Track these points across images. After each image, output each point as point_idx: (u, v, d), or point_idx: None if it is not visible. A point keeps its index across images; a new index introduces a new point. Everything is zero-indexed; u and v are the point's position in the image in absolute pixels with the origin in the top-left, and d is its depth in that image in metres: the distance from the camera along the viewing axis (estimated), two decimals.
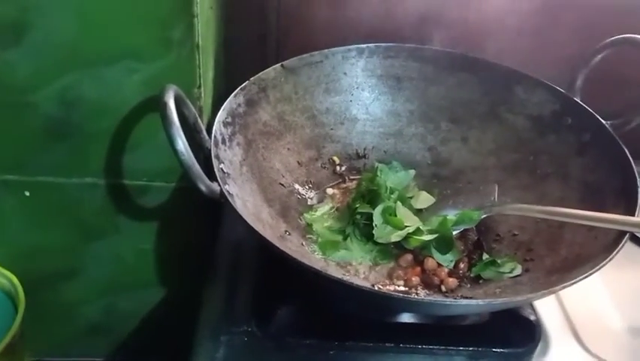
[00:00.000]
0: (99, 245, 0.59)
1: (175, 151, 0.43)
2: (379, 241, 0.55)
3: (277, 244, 0.46)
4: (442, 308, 0.48)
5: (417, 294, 0.52)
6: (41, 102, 0.50)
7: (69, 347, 0.67)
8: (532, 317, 0.51)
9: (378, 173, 0.59)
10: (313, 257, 0.54)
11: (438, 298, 0.50)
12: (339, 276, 0.50)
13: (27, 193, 0.54)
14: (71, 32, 0.47)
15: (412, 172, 0.62)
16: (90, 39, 0.47)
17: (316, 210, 0.60)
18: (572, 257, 0.49)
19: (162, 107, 0.43)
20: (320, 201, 0.61)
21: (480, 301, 0.46)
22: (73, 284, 0.61)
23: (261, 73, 0.60)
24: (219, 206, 0.63)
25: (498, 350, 0.50)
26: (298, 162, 0.62)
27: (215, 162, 0.49)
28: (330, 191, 0.63)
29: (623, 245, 0.45)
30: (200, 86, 0.51)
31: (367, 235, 0.56)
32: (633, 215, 0.47)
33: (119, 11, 0.46)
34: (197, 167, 0.44)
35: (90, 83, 0.49)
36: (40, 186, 0.54)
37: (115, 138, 0.52)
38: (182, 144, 0.43)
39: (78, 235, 0.58)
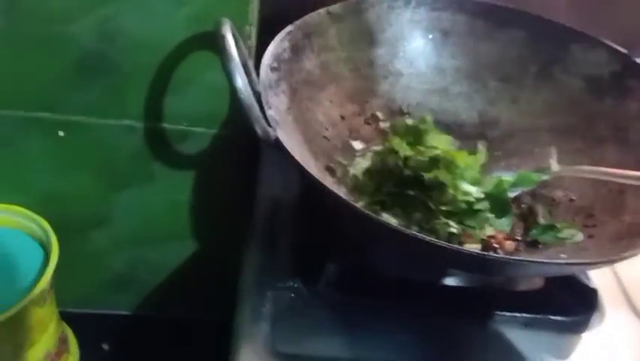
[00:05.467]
0: (131, 193, 0.56)
1: (234, 89, 0.39)
2: None
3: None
4: (528, 268, 0.44)
5: None
6: (78, 34, 0.46)
7: (94, 299, 0.64)
8: (590, 285, 0.49)
9: None
10: None
11: (522, 257, 0.47)
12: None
13: (61, 133, 0.50)
14: None
15: None
16: None
17: (361, 168, 0.57)
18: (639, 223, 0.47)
19: (220, 41, 0.40)
20: (364, 156, 0.58)
21: (570, 260, 0.43)
22: (102, 233, 0.58)
23: (305, 17, 0.56)
24: (257, 160, 0.60)
25: (555, 317, 0.48)
26: (341, 115, 0.59)
27: (266, 107, 0.46)
28: (375, 148, 0.60)
29: None
30: (252, 24, 0.47)
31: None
32: None
33: None
34: (256, 107, 0.40)
35: (133, 14, 0.45)
36: (74, 126, 0.50)
37: (156, 78, 0.48)
38: (241, 81, 0.39)
39: (110, 181, 0.55)
